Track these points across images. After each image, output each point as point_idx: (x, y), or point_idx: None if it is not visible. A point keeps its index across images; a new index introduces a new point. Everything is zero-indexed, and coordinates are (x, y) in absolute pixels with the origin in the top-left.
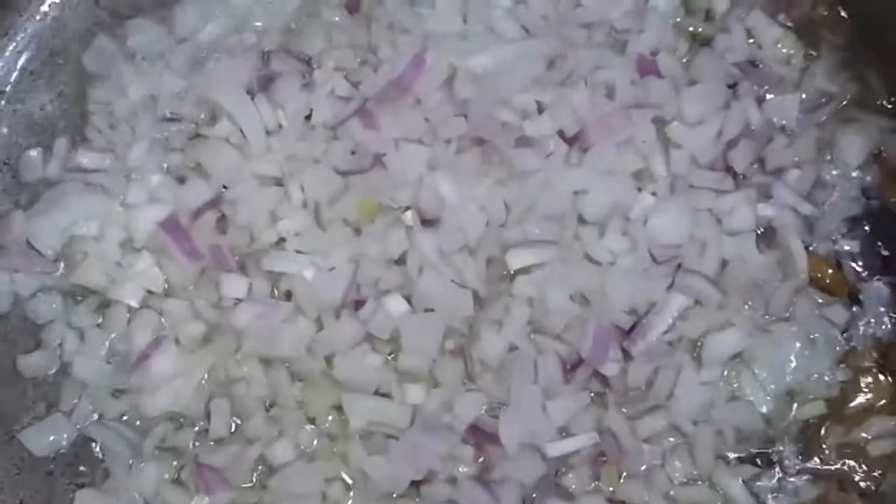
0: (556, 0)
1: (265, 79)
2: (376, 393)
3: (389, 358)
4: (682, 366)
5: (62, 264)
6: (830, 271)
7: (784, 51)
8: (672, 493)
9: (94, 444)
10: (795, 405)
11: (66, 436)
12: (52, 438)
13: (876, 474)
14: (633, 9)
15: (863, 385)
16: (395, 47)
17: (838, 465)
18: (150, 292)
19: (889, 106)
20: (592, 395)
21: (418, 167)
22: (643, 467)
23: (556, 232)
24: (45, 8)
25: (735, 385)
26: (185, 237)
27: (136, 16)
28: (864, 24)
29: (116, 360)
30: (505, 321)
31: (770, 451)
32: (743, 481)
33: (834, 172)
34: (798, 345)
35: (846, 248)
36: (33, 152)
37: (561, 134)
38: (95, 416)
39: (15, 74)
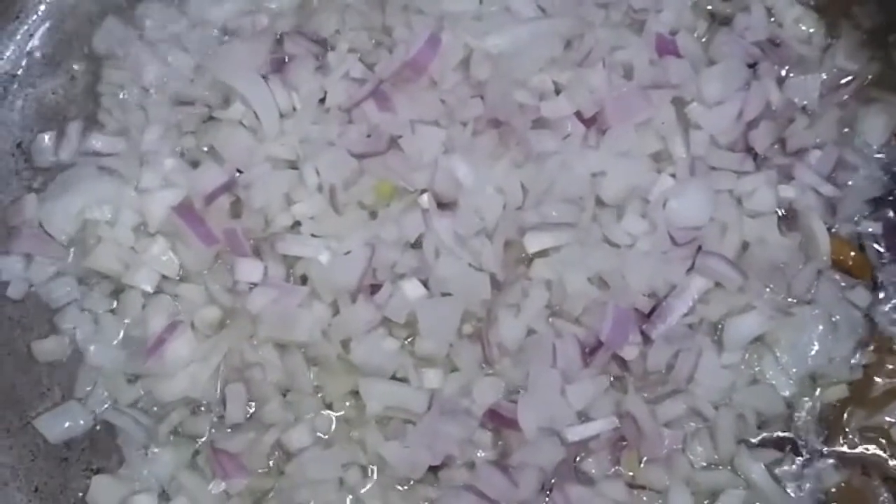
0: None
1: (279, 61)
2: (393, 378)
3: (406, 342)
4: (702, 349)
5: (74, 249)
6: (853, 253)
7: (805, 29)
8: (693, 477)
9: (109, 430)
10: (818, 389)
11: (81, 422)
12: (67, 425)
13: None
14: None
15: (886, 368)
16: (410, 28)
17: (861, 449)
18: (164, 277)
19: None
20: (612, 379)
21: (434, 149)
22: (664, 452)
23: (574, 214)
24: None
25: (756, 368)
26: (199, 221)
27: None
28: (886, 2)
29: (131, 346)
30: (523, 305)
31: (792, 435)
32: (765, 466)
33: (856, 153)
34: (820, 328)
35: (869, 229)
36: (46, 136)
37: (578, 115)
38: (110, 402)
39: (26, 58)
